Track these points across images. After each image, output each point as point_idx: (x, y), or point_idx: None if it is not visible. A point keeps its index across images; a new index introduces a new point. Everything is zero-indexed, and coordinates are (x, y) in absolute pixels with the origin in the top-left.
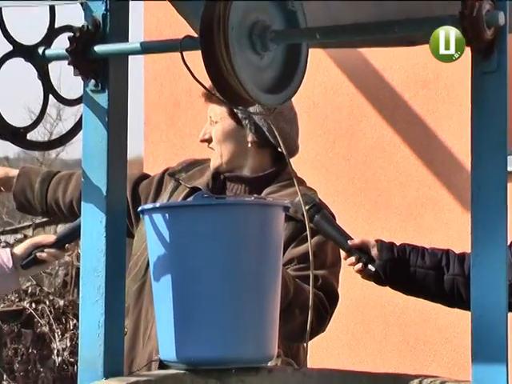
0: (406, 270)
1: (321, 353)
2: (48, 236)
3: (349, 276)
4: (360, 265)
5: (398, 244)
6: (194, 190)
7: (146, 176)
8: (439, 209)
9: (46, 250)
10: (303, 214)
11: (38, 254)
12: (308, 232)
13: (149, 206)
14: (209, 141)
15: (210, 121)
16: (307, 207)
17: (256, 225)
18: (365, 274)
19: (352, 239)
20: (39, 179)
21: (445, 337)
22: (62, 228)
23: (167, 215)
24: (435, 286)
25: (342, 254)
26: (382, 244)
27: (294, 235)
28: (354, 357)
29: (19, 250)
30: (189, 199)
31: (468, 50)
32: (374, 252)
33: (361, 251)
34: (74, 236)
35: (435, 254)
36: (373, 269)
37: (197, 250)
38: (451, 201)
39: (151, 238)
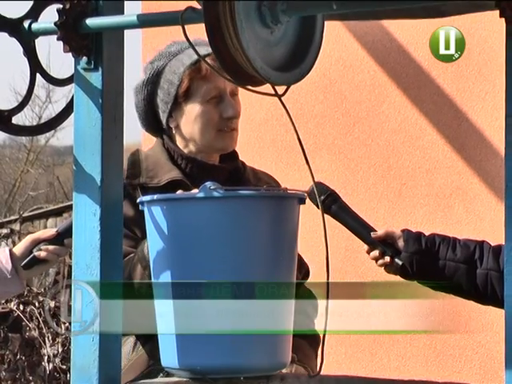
0: (434, 263)
1: (339, 358)
2: (48, 230)
3: (370, 272)
4: (387, 259)
5: (426, 234)
6: (171, 185)
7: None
8: (470, 199)
9: (43, 246)
10: (317, 205)
11: (37, 253)
12: (322, 222)
13: (147, 197)
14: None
15: (231, 92)
16: (323, 197)
17: (269, 219)
18: (390, 268)
19: (375, 231)
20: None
21: (477, 341)
22: (54, 221)
23: (170, 209)
24: (467, 282)
25: (365, 247)
26: (408, 234)
27: None
28: (376, 363)
29: (18, 249)
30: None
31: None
32: (401, 243)
33: (385, 244)
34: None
35: (468, 245)
36: (400, 263)
37: (203, 246)
38: (483, 190)
39: (152, 233)
